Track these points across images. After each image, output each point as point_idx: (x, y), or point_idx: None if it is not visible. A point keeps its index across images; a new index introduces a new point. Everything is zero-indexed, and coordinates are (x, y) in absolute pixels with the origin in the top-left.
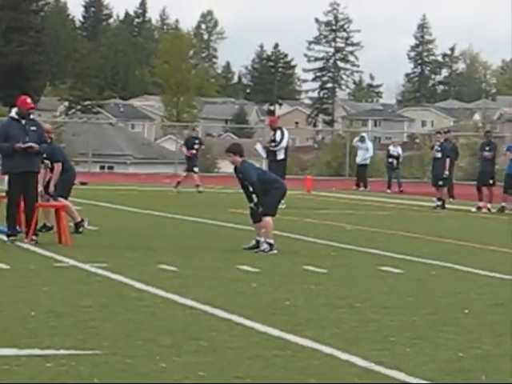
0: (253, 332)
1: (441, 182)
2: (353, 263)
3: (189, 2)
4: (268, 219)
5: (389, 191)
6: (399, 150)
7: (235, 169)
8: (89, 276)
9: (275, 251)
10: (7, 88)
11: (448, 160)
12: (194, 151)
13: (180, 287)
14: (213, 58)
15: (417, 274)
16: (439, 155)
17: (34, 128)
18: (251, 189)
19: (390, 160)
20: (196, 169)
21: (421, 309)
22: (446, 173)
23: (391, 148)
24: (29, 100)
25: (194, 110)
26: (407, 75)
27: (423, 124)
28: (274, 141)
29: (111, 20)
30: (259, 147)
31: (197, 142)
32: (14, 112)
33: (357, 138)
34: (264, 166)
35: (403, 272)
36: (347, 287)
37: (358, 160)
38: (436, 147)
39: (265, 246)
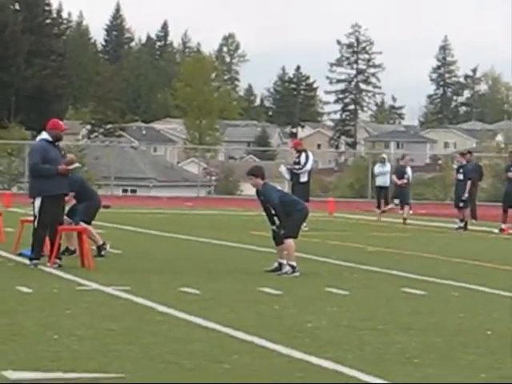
0: (275, 354)
1: (461, 204)
2: (375, 285)
3: (210, 24)
4: (290, 241)
5: (401, 212)
6: (409, 170)
7: (257, 191)
8: (112, 299)
9: (297, 273)
10: (29, 112)
11: (469, 182)
12: (406, 181)
13: (202, 310)
14: (235, 80)
15: (439, 295)
16: (461, 177)
17: (62, 152)
18: (273, 211)
19: None
20: (396, 200)
21: (444, 330)
22: (466, 195)
23: None
24: (61, 122)
25: (217, 132)
26: (429, 97)
27: (446, 145)
28: (298, 163)
29: (133, 43)
30: (283, 169)
31: (407, 171)
32: (46, 135)
33: (378, 164)
34: (287, 188)
35: (425, 293)
36: (369, 309)
37: (380, 182)
38: (458, 168)
39: (287, 269)
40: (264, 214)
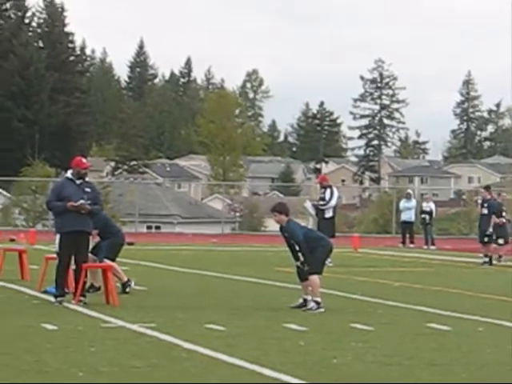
0: None
1: (486, 239)
2: (400, 320)
3: (234, 61)
4: (315, 277)
5: (425, 247)
6: (432, 205)
7: (281, 228)
8: (137, 336)
9: (322, 309)
10: (53, 149)
11: (494, 216)
12: (504, 220)
13: (228, 346)
14: (258, 116)
15: (464, 330)
16: (485, 211)
17: (88, 189)
18: (297, 247)
19: (423, 216)
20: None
21: (469, 365)
22: (490, 230)
23: (424, 204)
24: (84, 160)
25: (241, 168)
26: (453, 131)
27: (470, 180)
28: (323, 199)
29: (157, 80)
30: (309, 205)
31: (504, 209)
32: (69, 173)
33: (404, 200)
34: (311, 223)
35: (451, 329)
36: (394, 344)
37: (405, 217)
38: (482, 203)
39: (312, 305)
40: (288, 250)
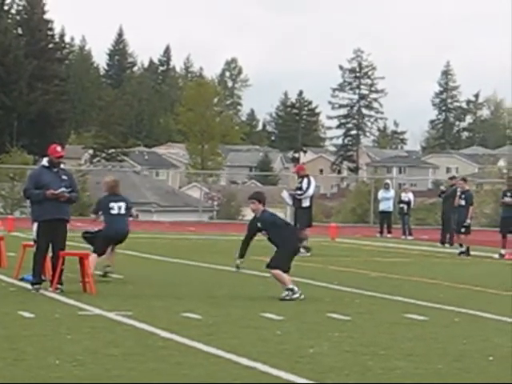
0: (278, 380)
1: (463, 230)
2: (377, 310)
3: (213, 49)
4: (275, 271)
5: (403, 237)
6: (410, 195)
7: (254, 218)
8: (114, 325)
9: (299, 295)
10: (32, 136)
11: (471, 208)
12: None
13: (205, 335)
14: (237, 105)
15: (441, 320)
16: (463, 202)
17: (65, 177)
18: (268, 236)
19: (401, 206)
20: None
21: (446, 356)
22: (468, 221)
23: (403, 194)
24: (59, 148)
25: (219, 157)
26: (431, 122)
27: (447, 170)
28: (300, 188)
29: (135, 68)
30: (285, 194)
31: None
32: (45, 160)
33: (382, 190)
34: (289, 213)
35: (427, 319)
36: (371, 334)
37: (383, 207)
38: (460, 194)
39: (285, 293)
40: (265, 239)
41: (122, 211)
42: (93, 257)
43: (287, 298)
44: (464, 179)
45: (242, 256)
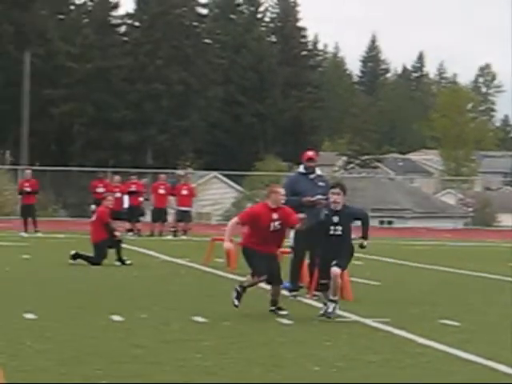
0: None
1: None
2: None
3: (466, 55)
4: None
5: None
6: None
7: (330, 211)
8: (371, 331)
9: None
10: (286, 143)
11: None
12: None
13: (462, 342)
14: (491, 111)
15: None
16: None
17: (322, 183)
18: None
19: None
20: None
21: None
22: None
23: None
24: (310, 153)
25: (473, 163)
26: None
27: None
28: None
29: (389, 74)
30: None
31: None
32: (301, 167)
33: None
34: None
35: None
36: None
37: None
38: None
39: None
40: None
41: None
42: None
43: None
44: None
45: None
